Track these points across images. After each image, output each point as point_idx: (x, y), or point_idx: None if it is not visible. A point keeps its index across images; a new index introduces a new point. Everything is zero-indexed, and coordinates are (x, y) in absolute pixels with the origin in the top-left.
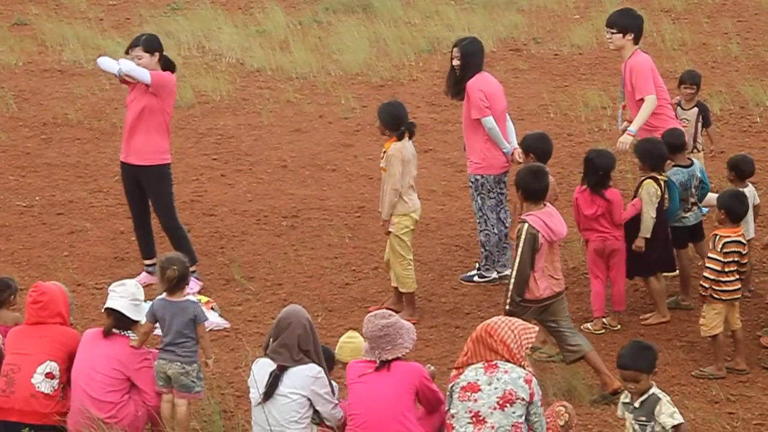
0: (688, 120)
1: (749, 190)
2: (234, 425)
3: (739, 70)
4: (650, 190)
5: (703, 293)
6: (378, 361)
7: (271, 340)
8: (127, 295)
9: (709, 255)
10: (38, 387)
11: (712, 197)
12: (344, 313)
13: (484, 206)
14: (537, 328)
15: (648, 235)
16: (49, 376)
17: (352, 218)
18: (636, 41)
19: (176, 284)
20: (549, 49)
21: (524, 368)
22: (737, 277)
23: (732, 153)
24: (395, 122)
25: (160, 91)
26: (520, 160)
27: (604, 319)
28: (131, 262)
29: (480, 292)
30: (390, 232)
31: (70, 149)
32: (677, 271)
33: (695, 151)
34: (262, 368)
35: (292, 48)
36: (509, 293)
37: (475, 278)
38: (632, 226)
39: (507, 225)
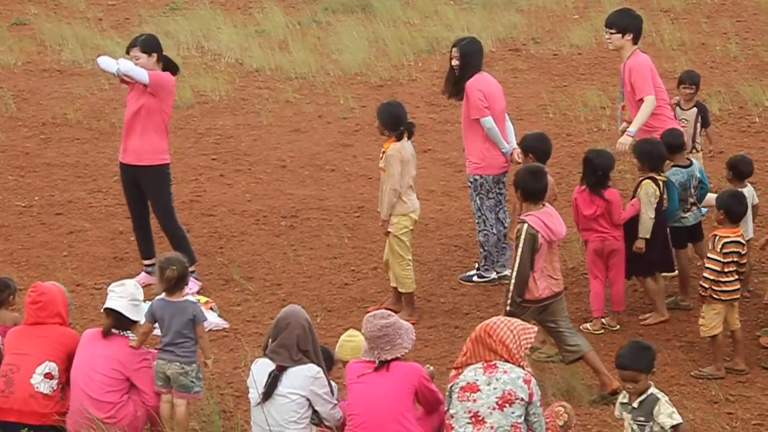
0: (687, 120)
1: (748, 191)
2: (233, 425)
3: (738, 70)
4: (649, 191)
5: (703, 293)
6: (377, 362)
7: (270, 340)
8: (126, 296)
9: (709, 255)
10: (37, 387)
11: (711, 197)
12: (343, 314)
13: (483, 206)
14: (536, 329)
15: (647, 236)
16: (48, 376)
17: (351, 218)
18: (635, 41)
19: (175, 284)
20: (548, 49)
21: (523, 368)
22: (736, 277)
23: (731, 153)
24: (394, 122)
25: (159, 91)
26: (519, 160)
27: (603, 320)
28: (130, 263)
29: (479, 293)
30: (389, 232)
31: (69, 149)
32: (676, 272)
33: (694, 151)
34: (261, 368)
35: (291, 48)
36: (510, 294)
37: (474, 278)
38: (631, 226)
39: (506, 225)
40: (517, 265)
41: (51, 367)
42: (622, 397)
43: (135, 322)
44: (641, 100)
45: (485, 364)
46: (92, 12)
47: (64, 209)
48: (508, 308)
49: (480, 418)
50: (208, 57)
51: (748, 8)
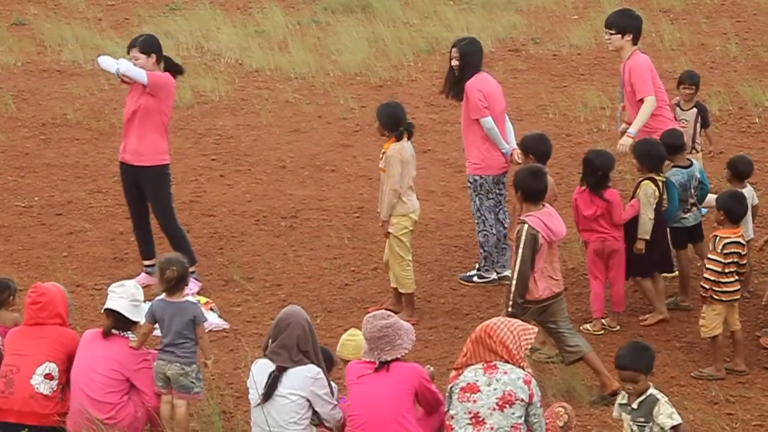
0: (686, 120)
1: (748, 191)
2: (233, 426)
3: (738, 71)
4: (648, 191)
5: (704, 294)
6: (377, 362)
7: (270, 340)
8: (126, 296)
9: (710, 256)
10: (37, 388)
11: (711, 198)
12: (343, 314)
13: (483, 207)
14: (536, 329)
15: (647, 237)
16: (48, 377)
17: (351, 219)
18: (635, 42)
19: (175, 285)
20: (548, 50)
21: (523, 369)
22: (737, 278)
23: (731, 153)
24: (394, 123)
25: (158, 92)
26: (519, 161)
27: (603, 320)
28: (130, 263)
29: (479, 293)
30: (389, 232)
31: (68, 150)
32: (676, 272)
33: (694, 151)
34: (261, 369)
35: (290, 48)
36: (511, 295)
37: (475, 278)
38: (632, 226)
39: (506, 226)
40: (518, 265)
41: (51, 367)
42: (621, 398)
43: (135, 323)
44: (641, 101)
45: (485, 365)
46: (92, 12)
47: (64, 210)
48: (509, 309)
49: (480, 419)
50: (208, 57)
51: (747, 8)
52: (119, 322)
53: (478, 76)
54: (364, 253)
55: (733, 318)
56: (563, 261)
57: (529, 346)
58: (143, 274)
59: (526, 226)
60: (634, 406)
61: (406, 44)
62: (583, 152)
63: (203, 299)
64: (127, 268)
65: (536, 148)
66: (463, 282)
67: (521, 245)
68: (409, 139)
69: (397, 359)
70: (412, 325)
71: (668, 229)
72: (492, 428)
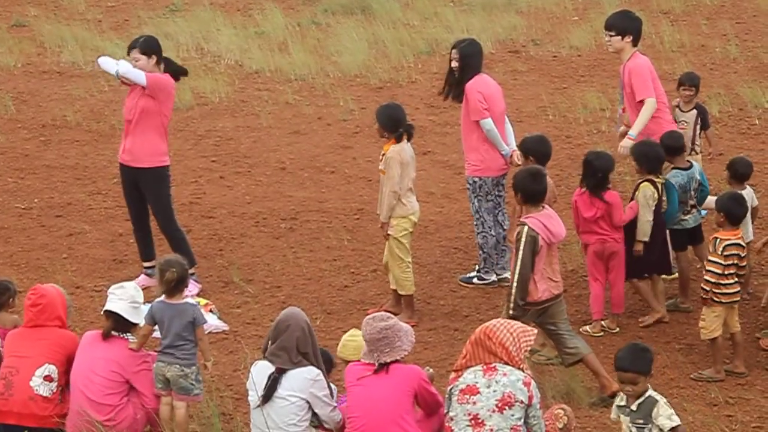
0: (686, 122)
1: (747, 192)
2: (233, 428)
3: (738, 72)
4: (647, 193)
5: (705, 296)
6: (377, 364)
7: (269, 342)
8: (126, 298)
9: (710, 258)
10: (37, 390)
11: (711, 200)
12: (343, 316)
13: (481, 208)
14: (536, 331)
15: (645, 239)
16: (48, 378)
17: (351, 220)
18: (635, 43)
19: (175, 286)
20: (548, 51)
21: (523, 371)
22: (736, 279)
23: (730, 155)
24: (393, 124)
25: (157, 94)
26: (519, 163)
27: (602, 322)
28: (130, 265)
29: (479, 295)
30: (389, 234)
31: (68, 151)
32: (676, 274)
33: (693, 153)
34: (260, 371)
35: (290, 50)
36: (512, 297)
37: (474, 280)
38: (632, 228)
39: (505, 228)
40: (518, 267)
41: (50, 369)
42: (619, 400)
43: (135, 325)
44: (641, 102)
45: (485, 367)
46: (92, 13)
47: (64, 211)
48: (511, 312)
49: (479, 421)
50: (208, 59)
51: (747, 10)
52: (119, 324)
53: (478, 78)
54: (364, 254)
55: (732, 320)
56: (563, 263)
57: (529, 348)
58: (143, 276)
59: (526, 227)
60: (633, 407)
61: (406, 46)
62: (583, 154)
63: (203, 301)
64: (126, 269)
65: (536, 149)
66: (463, 284)
67: (521, 247)
68: (408, 140)
69: (396, 361)
70: (412, 326)
71: (668, 231)
72: (491, 430)
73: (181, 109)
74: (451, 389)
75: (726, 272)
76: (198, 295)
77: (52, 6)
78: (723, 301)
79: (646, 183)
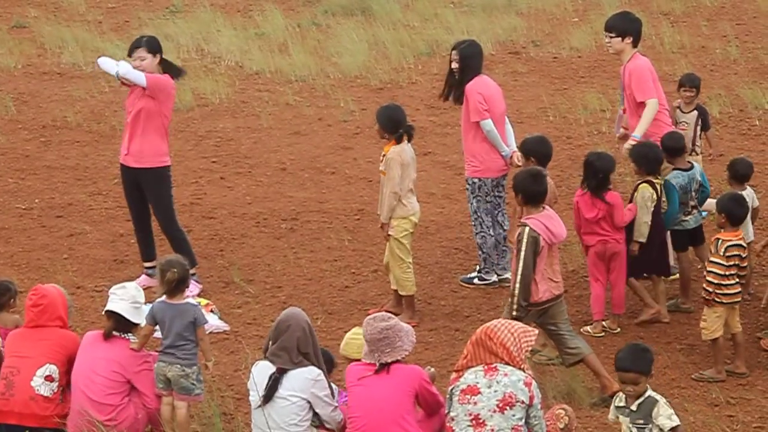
0: (687, 123)
1: (748, 193)
2: (234, 428)
3: (738, 73)
4: (645, 194)
5: (707, 297)
6: (377, 364)
7: (270, 342)
8: (127, 298)
9: (712, 259)
10: (38, 390)
11: (711, 203)
12: (344, 316)
13: (480, 209)
14: (536, 331)
15: (642, 240)
16: (49, 379)
17: (352, 221)
18: (635, 44)
19: (176, 287)
20: (548, 52)
21: (524, 371)
22: (737, 280)
23: (731, 156)
24: (393, 125)
25: (157, 94)
26: (520, 164)
27: (603, 322)
28: (131, 265)
29: (480, 295)
30: (389, 235)
31: (69, 152)
32: (677, 275)
33: (693, 154)
34: (261, 371)
35: (291, 51)
36: (515, 299)
37: (475, 281)
38: (631, 229)
39: (505, 228)
40: (521, 268)
41: (51, 369)
42: (618, 401)
43: (136, 325)
44: (642, 104)
45: (486, 367)
46: (92, 15)
47: (65, 212)
48: (514, 313)
49: (481, 421)
50: (208, 60)
51: (747, 11)
52: (120, 324)
53: (478, 79)
54: (365, 255)
55: (733, 320)
56: (563, 263)
57: (530, 348)
58: (144, 276)
59: (527, 228)
60: (633, 408)
61: (406, 47)
62: (583, 155)
63: (204, 301)
64: (127, 270)
65: (537, 150)
66: (464, 284)
67: (523, 248)
68: (409, 141)
69: (397, 361)
70: (413, 327)
71: (669, 232)
72: (492, 430)
73: (182, 110)
74: (452, 389)
75: (727, 273)
76: (199, 295)
77: (52, 7)
78: (724, 301)
79: (644, 184)
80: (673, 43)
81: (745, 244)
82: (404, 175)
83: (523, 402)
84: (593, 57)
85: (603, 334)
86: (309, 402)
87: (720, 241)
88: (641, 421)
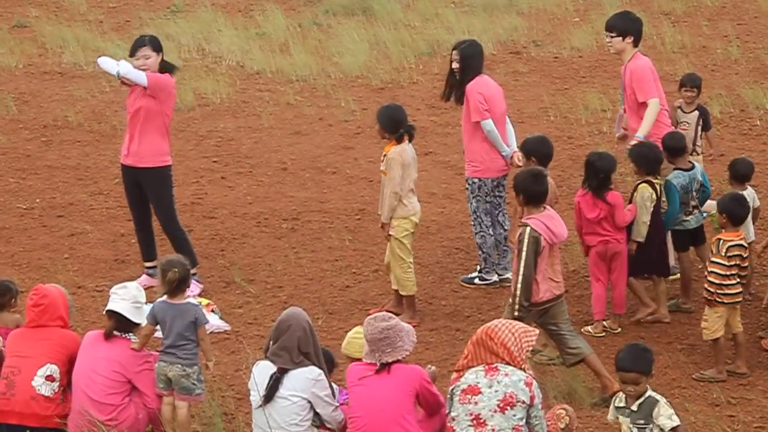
0: (688, 123)
1: (749, 193)
2: (235, 428)
3: (739, 73)
4: (645, 194)
5: (708, 297)
6: (378, 364)
7: (271, 342)
8: (128, 298)
9: (713, 259)
10: (38, 390)
11: (711, 204)
12: (344, 316)
13: (479, 209)
14: (537, 331)
15: (640, 239)
16: (50, 378)
17: (353, 221)
18: (635, 44)
19: (177, 287)
20: (549, 52)
21: (525, 371)
22: (738, 280)
23: (731, 156)
24: (394, 125)
25: (158, 94)
26: (520, 164)
27: (604, 322)
28: (132, 265)
29: (480, 295)
30: (390, 235)
31: (70, 152)
32: (678, 275)
33: (694, 154)
34: (262, 371)
35: (292, 50)
36: (517, 299)
37: (476, 281)
38: (631, 229)
39: (506, 228)
40: (522, 269)
41: (52, 369)
42: (618, 401)
43: (137, 325)
44: (643, 104)
45: (486, 367)
46: (93, 14)
47: (66, 211)
48: (515, 313)
49: (481, 421)
50: (209, 59)
51: (748, 11)
52: (121, 324)
53: (479, 79)
54: (366, 255)
55: (734, 320)
56: (564, 263)
57: (531, 348)
58: (145, 276)
59: (528, 228)
60: (634, 408)
61: (407, 46)
62: (584, 155)
63: (204, 301)
64: (128, 269)
65: (537, 150)
66: (464, 284)
67: (524, 248)
68: (410, 141)
69: (398, 361)
70: (414, 327)
71: (670, 232)
72: (493, 430)
73: (183, 110)
74: (452, 389)
75: (729, 273)
76: (200, 295)
77: (53, 7)
78: (725, 301)
79: (644, 184)
80: (674, 42)
81: (746, 245)
82: (405, 175)
83: (523, 402)
84: (594, 57)
85: (604, 334)
86: (310, 402)
87: (721, 241)
88: (642, 421)
